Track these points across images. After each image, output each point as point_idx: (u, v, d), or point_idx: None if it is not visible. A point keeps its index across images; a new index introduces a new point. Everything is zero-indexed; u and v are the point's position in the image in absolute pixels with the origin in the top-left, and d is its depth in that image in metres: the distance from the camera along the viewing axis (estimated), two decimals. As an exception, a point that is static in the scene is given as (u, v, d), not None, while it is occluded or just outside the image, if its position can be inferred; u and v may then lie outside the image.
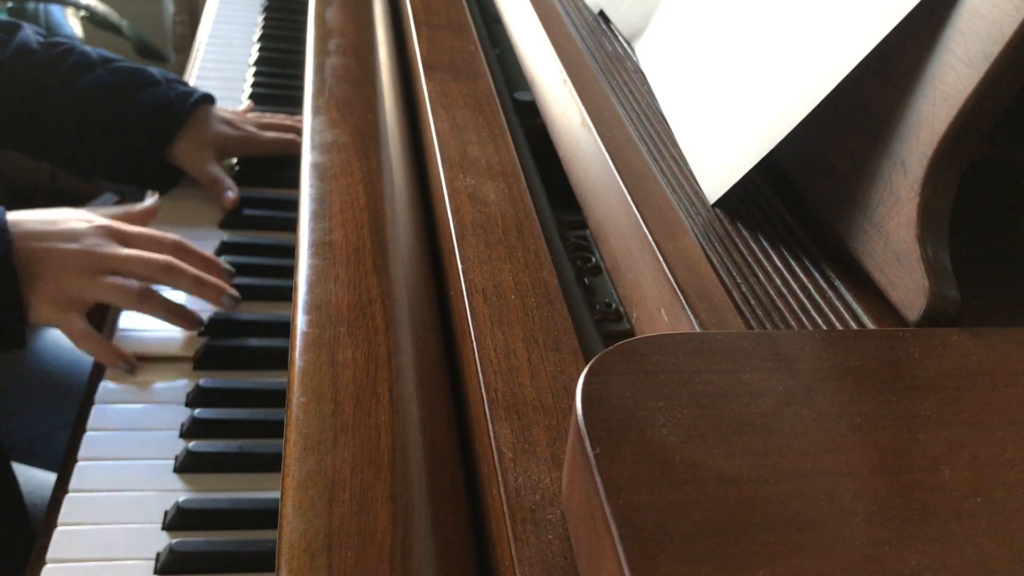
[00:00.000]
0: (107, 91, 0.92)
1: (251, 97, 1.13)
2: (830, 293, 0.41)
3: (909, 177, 0.38)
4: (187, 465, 0.67)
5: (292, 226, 0.68)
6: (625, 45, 0.65)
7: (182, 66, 1.37)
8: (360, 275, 0.54)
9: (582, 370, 0.32)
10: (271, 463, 0.67)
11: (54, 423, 0.91)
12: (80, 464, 0.67)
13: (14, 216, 0.75)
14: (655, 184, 0.49)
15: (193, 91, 0.96)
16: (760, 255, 0.44)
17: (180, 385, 0.74)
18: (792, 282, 0.42)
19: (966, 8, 0.36)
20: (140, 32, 1.96)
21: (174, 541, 0.61)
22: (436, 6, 0.80)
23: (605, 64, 0.63)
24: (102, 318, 0.82)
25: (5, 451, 0.74)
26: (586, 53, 0.64)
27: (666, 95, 0.56)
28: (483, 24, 0.84)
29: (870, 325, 0.39)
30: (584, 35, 0.67)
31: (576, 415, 0.30)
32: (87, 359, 0.92)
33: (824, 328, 0.40)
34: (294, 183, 0.65)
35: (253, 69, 1.20)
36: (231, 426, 0.70)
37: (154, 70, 0.97)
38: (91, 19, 1.91)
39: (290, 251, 0.85)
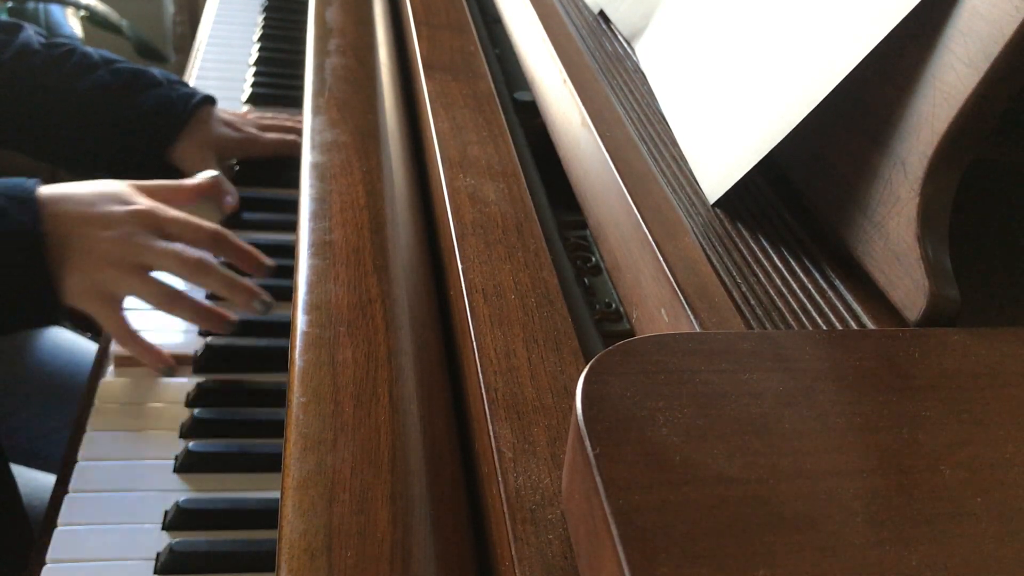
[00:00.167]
0: (108, 92, 0.92)
1: (251, 97, 1.13)
2: (830, 293, 0.41)
3: (909, 177, 0.38)
4: (187, 465, 0.67)
5: (292, 226, 0.68)
6: (625, 45, 0.65)
7: (182, 66, 1.37)
8: (360, 275, 0.54)
9: (582, 370, 0.32)
10: (271, 463, 0.67)
11: (54, 423, 0.91)
12: (80, 464, 0.66)
13: (51, 190, 0.73)
14: (655, 184, 0.49)
15: (195, 92, 0.96)
16: (760, 255, 0.44)
17: (180, 385, 0.74)
18: (792, 282, 0.42)
19: (966, 8, 0.36)
20: (140, 32, 1.97)
21: (174, 541, 0.61)
22: (436, 6, 0.80)
23: (605, 64, 0.63)
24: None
25: (4, 452, 0.74)
26: (586, 53, 0.64)
27: (666, 95, 0.56)
28: (483, 24, 0.84)
29: (870, 325, 0.39)
30: (584, 35, 0.67)
31: (576, 415, 0.30)
32: (87, 359, 0.92)
33: (824, 328, 0.40)
34: (294, 183, 0.65)
35: (253, 69, 1.20)
36: (231, 426, 0.70)
37: (156, 71, 0.97)
38: (91, 19, 1.91)
39: (290, 251, 0.85)
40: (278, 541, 0.40)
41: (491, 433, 0.39)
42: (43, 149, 0.98)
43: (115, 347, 0.77)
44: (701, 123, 0.51)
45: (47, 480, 0.83)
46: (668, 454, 0.29)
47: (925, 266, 0.37)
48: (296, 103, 1.06)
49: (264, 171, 0.99)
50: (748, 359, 0.33)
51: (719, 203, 0.47)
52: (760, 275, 0.43)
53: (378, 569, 0.38)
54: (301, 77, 0.84)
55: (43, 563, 0.60)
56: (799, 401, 0.32)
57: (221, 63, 1.22)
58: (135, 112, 0.92)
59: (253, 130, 0.99)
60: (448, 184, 0.56)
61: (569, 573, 0.34)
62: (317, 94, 0.73)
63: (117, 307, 0.73)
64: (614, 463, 0.29)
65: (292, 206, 0.71)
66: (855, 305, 0.41)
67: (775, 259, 0.44)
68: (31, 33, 0.96)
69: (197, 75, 1.18)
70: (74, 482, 0.65)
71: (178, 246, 0.74)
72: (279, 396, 0.72)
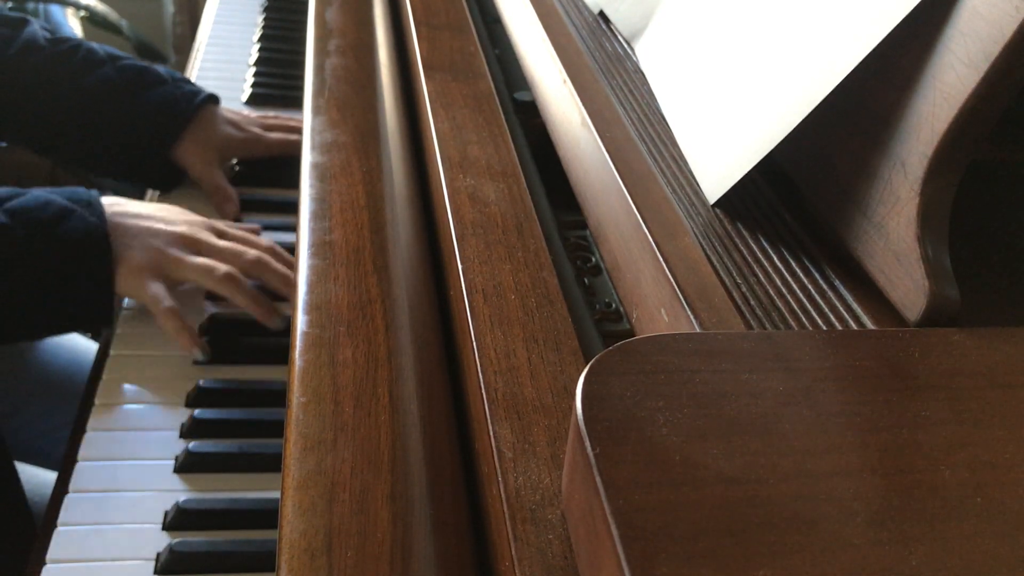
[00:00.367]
0: (113, 89, 0.93)
1: (251, 97, 1.13)
2: (830, 293, 0.41)
3: (909, 177, 0.38)
4: (187, 465, 0.67)
5: (292, 226, 0.69)
6: (625, 45, 0.65)
7: (182, 66, 1.37)
8: (360, 275, 0.54)
9: (582, 370, 0.32)
10: (271, 463, 0.67)
11: (55, 422, 0.91)
12: (80, 464, 0.67)
13: (114, 199, 0.78)
14: (655, 184, 0.49)
15: (199, 91, 0.96)
16: (760, 255, 0.44)
17: (180, 385, 0.74)
18: (792, 282, 0.42)
19: (966, 8, 0.36)
20: (140, 32, 1.97)
21: (174, 541, 0.61)
22: (436, 6, 0.80)
23: (605, 64, 0.63)
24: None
25: (8, 449, 0.75)
26: (586, 53, 0.64)
27: (666, 95, 0.56)
28: (483, 24, 0.84)
29: (870, 325, 0.39)
30: (584, 35, 0.67)
31: (576, 415, 0.30)
32: (87, 358, 0.92)
33: (824, 328, 0.40)
34: (294, 183, 0.65)
35: (253, 69, 1.20)
36: (231, 426, 0.70)
37: (161, 68, 0.97)
38: (91, 19, 1.91)
39: (290, 251, 0.85)
40: (278, 541, 0.40)
41: (491, 433, 0.39)
42: (47, 145, 0.98)
43: (115, 348, 0.77)
44: (701, 123, 0.51)
45: (49, 477, 0.83)
46: (668, 454, 0.29)
47: (925, 266, 0.37)
48: (296, 103, 1.06)
49: (264, 171, 0.99)
50: (748, 359, 0.33)
51: (719, 203, 0.47)
52: (760, 275, 0.43)
53: (378, 569, 0.38)
54: (301, 77, 0.84)
55: (43, 563, 0.60)
56: (799, 401, 0.32)
57: (221, 63, 1.22)
58: (139, 109, 0.92)
59: (257, 130, 0.99)
60: (448, 184, 0.56)
61: (569, 573, 0.34)
62: (317, 94, 0.73)
63: (166, 286, 0.76)
64: (614, 463, 0.29)
65: (292, 206, 0.71)
66: (855, 305, 0.41)
67: (775, 259, 0.44)
68: (36, 28, 0.96)
69: (197, 75, 1.18)
70: (74, 482, 0.65)
71: (238, 246, 0.79)
72: (279, 396, 0.72)
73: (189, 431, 0.70)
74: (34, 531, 0.73)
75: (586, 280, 0.54)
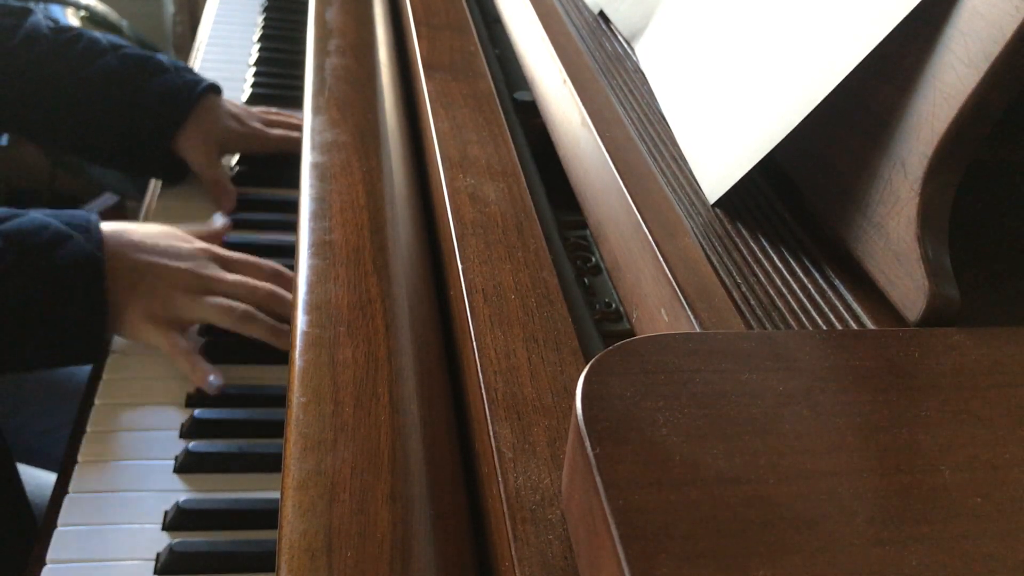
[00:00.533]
0: (116, 77, 0.92)
1: (251, 97, 1.13)
2: (830, 293, 0.41)
3: (909, 177, 0.38)
4: (187, 465, 0.67)
5: (292, 226, 0.68)
6: (625, 45, 0.65)
7: (182, 66, 1.36)
8: (360, 275, 0.54)
9: (582, 370, 0.32)
10: (271, 463, 0.67)
11: (55, 422, 0.91)
12: (80, 464, 0.67)
13: (114, 226, 0.75)
14: (655, 184, 0.49)
15: (200, 80, 0.96)
16: (760, 255, 0.44)
17: (180, 385, 0.74)
18: (792, 282, 0.42)
19: (966, 8, 0.36)
20: (140, 32, 1.97)
21: (174, 541, 0.61)
22: (436, 6, 0.80)
23: (605, 64, 0.63)
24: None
25: (8, 448, 0.75)
26: (586, 53, 0.64)
27: (666, 95, 0.56)
28: (483, 24, 0.84)
29: (870, 325, 0.39)
30: (584, 35, 0.67)
31: (576, 415, 0.30)
32: (87, 359, 0.92)
33: (824, 328, 0.40)
34: (294, 183, 0.65)
35: (253, 69, 1.20)
36: (231, 426, 0.70)
37: (163, 57, 0.97)
38: (91, 19, 1.91)
39: (290, 251, 0.85)
40: (278, 541, 0.40)
41: (491, 433, 0.39)
42: (50, 135, 0.98)
43: (115, 348, 0.77)
44: (701, 123, 0.51)
45: (49, 477, 0.83)
46: (668, 454, 0.29)
47: (925, 266, 0.37)
48: (296, 103, 1.06)
49: (264, 171, 0.99)
50: (748, 359, 0.33)
51: (719, 203, 0.47)
52: (760, 275, 0.43)
53: (378, 569, 0.38)
54: (301, 77, 0.84)
55: (43, 563, 0.60)
56: (799, 401, 0.32)
57: (221, 63, 1.22)
58: (141, 98, 0.92)
59: (258, 125, 0.99)
60: (448, 184, 0.56)
61: (569, 573, 0.34)
62: (317, 94, 0.73)
63: (182, 332, 0.74)
64: (614, 463, 0.29)
65: (292, 206, 0.71)
66: (855, 305, 0.41)
67: (775, 259, 0.44)
68: (40, 18, 0.96)
69: (197, 75, 1.18)
70: (74, 482, 0.65)
71: (248, 280, 0.76)
72: (279, 396, 0.72)
73: (189, 431, 0.70)
74: (34, 531, 0.73)
75: (586, 280, 0.54)
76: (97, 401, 0.72)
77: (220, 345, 0.77)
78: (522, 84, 0.74)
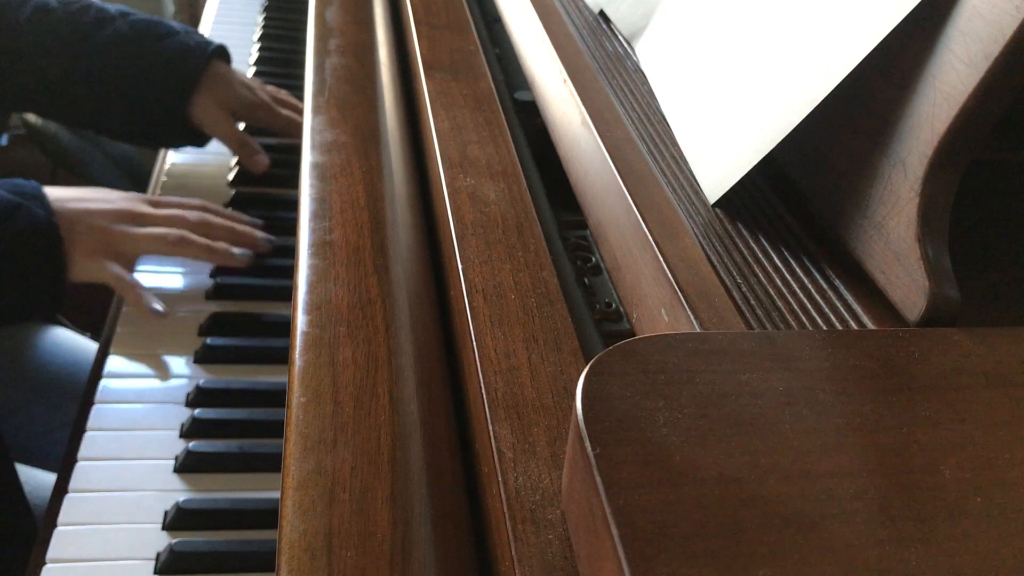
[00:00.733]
0: (126, 42, 0.93)
1: None
2: (830, 293, 0.41)
3: (909, 177, 0.38)
4: (187, 465, 0.67)
5: (292, 226, 0.68)
6: (625, 45, 0.65)
7: (182, 66, 1.36)
8: (360, 275, 0.54)
9: (582, 370, 0.32)
10: (271, 463, 0.67)
11: (54, 422, 0.91)
12: (80, 464, 0.67)
13: (49, 188, 0.79)
14: (655, 184, 0.49)
15: (210, 42, 0.96)
16: (760, 255, 0.44)
17: (180, 385, 0.74)
18: (792, 282, 0.42)
19: (966, 8, 0.36)
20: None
21: (174, 541, 0.61)
22: (436, 6, 0.80)
23: (605, 64, 0.63)
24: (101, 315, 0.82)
25: (7, 449, 0.75)
26: (586, 53, 0.64)
27: (666, 95, 0.56)
28: (483, 24, 0.84)
29: (870, 325, 0.39)
30: (584, 35, 0.67)
31: (576, 415, 0.30)
32: (87, 358, 0.92)
33: (824, 328, 0.40)
34: (294, 183, 0.65)
35: (253, 69, 1.20)
36: (231, 426, 0.70)
37: (173, 22, 0.97)
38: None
39: (290, 251, 0.85)
40: (278, 541, 0.40)
41: (491, 433, 0.39)
42: (65, 108, 0.98)
43: (115, 348, 0.77)
44: (701, 123, 0.51)
45: (48, 478, 0.83)
46: (668, 454, 0.29)
47: (925, 266, 0.37)
48: (296, 103, 1.06)
49: (264, 171, 0.99)
50: (748, 359, 0.33)
51: (719, 203, 0.47)
52: (760, 275, 0.43)
53: (378, 569, 0.38)
54: (301, 77, 0.84)
55: (43, 563, 0.60)
56: (799, 401, 0.32)
57: (221, 63, 1.22)
58: (153, 60, 0.92)
59: (267, 98, 0.99)
60: (448, 184, 0.56)
61: (569, 573, 0.34)
62: (317, 94, 0.73)
63: (126, 265, 0.79)
64: (614, 463, 0.29)
65: (292, 206, 0.71)
66: (855, 305, 0.41)
67: (775, 259, 0.44)
68: None
69: (197, 75, 1.18)
70: (74, 482, 0.65)
71: (178, 211, 0.82)
72: (279, 396, 0.72)
73: (189, 431, 0.70)
74: (34, 531, 0.73)
75: (586, 280, 0.54)
76: (97, 401, 0.72)
77: (220, 346, 0.77)
78: (522, 84, 0.74)
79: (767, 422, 0.31)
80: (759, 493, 0.28)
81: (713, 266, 0.43)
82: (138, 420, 0.71)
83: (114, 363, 0.75)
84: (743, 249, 0.45)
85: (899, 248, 0.39)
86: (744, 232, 0.46)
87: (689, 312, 0.40)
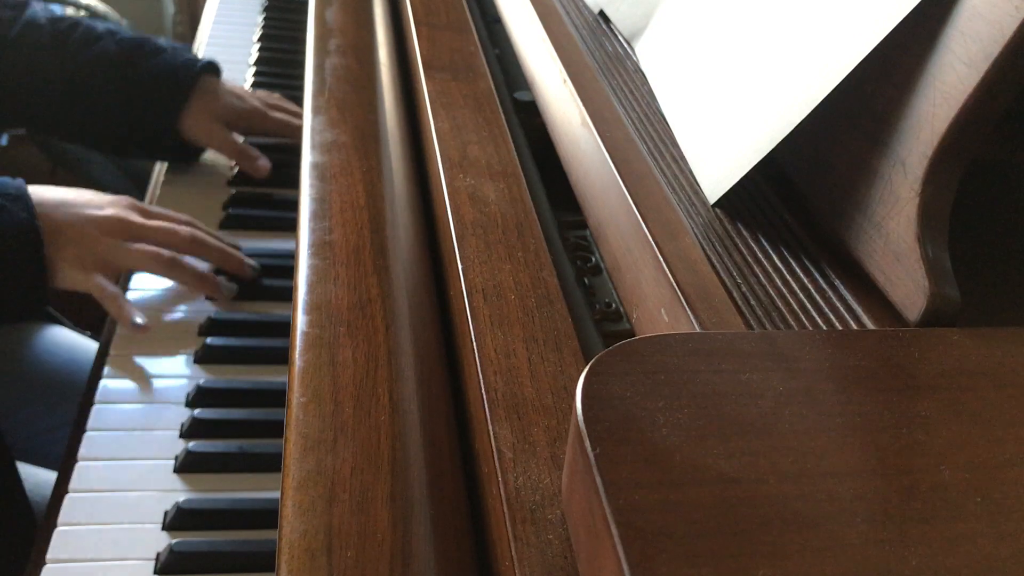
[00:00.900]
0: (114, 61, 0.93)
1: None
2: (830, 293, 0.41)
3: (909, 177, 0.38)
4: (187, 465, 0.67)
5: (292, 226, 0.69)
6: (625, 45, 0.65)
7: (182, 66, 1.36)
8: (360, 275, 0.54)
9: (582, 370, 0.32)
10: (271, 463, 0.67)
11: (54, 421, 0.91)
12: (80, 464, 0.66)
13: (37, 188, 0.77)
14: (655, 184, 0.49)
15: (197, 59, 0.96)
16: (760, 255, 0.44)
17: (180, 385, 0.74)
18: (792, 282, 0.42)
19: (966, 8, 0.36)
20: (140, 32, 1.97)
21: (174, 541, 0.61)
22: (436, 6, 0.80)
23: (605, 64, 0.63)
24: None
25: (8, 448, 0.75)
26: (586, 53, 0.64)
27: (666, 95, 0.56)
28: (483, 24, 0.84)
29: (870, 325, 0.39)
30: (584, 35, 0.67)
31: (576, 415, 0.30)
32: (87, 358, 0.92)
33: (824, 328, 0.40)
34: (294, 183, 0.65)
35: (253, 69, 1.20)
36: (231, 426, 0.70)
37: (160, 40, 0.97)
38: (91, 18, 1.91)
39: (290, 251, 0.85)
40: (278, 541, 0.40)
41: (491, 433, 0.39)
42: (55, 125, 0.98)
43: (115, 348, 0.77)
44: (701, 123, 0.51)
45: (48, 477, 0.83)
46: (668, 454, 0.29)
47: (925, 266, 0.37)
48: (296, 103, 1.06)
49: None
50: (748, 359, 0.33)
51: (719, 203, 0.47)
52: (760, 275, 0.43)
53: (378, 569, 0.38)
54: (301, 77, 0.84)
55: (43, 563, 0.60)
56: (799, 401, 0.32)
57: (221, 63, 1.22)
58: (141, 79, 0.92)
59: (258, 104, 1.00)
60: (448, 184, 0.56)
61: (569, 573, 0.34)
62: (317, 94, 0.73)
63: (108, 275, 0.77)
64: (614, 463, 0.29)
65: (292, 206, 0.71)
66: (855, 305, 0.41)
67: (775, 259, 0.44)
68: (37, 9, 0.96)
69: (197, 75, 1.18)
70: (74, 482, 0.65)
71: (169, 224, 0.80)
72: (279, 396, 0.72)
73: (189, 431, 0.70)
74: (34, 531, 0.73)
75: (586, 280, 0.54)
76: (97, 401, 0.72)
77: (220, 346, 0.77)
78: (522, 84, 0.74)
79: (767, 422, 0.31)
80: (759, 493, 0.28)
81: (713, 266, 0.43)
82: (138, 420, 0.71)
83: (114, 363, 0.75)
84: (743, 249, 0.45)
85: (899, 248, 0.39)
86: (744, 232, 0.46)
87: (689, 312, 0.40)
